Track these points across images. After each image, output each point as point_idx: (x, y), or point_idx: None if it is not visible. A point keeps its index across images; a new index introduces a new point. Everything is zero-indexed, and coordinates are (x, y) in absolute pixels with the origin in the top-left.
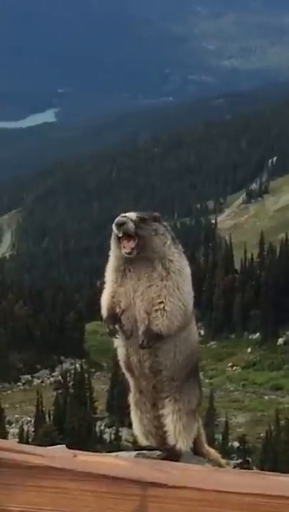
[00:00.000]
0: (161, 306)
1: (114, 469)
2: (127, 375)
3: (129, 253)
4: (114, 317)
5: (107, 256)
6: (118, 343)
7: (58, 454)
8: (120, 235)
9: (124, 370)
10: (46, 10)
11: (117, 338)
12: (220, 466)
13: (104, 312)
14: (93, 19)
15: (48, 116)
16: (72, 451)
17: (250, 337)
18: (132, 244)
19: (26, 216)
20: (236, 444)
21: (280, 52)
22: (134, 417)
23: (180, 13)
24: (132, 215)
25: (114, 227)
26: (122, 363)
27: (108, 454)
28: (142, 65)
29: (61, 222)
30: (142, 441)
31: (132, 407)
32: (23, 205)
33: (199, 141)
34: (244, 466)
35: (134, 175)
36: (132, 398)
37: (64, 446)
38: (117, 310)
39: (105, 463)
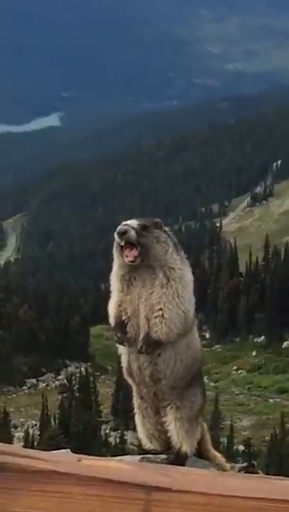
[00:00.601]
0: (160, 313)
1: (119, 473)
2: (129, 381)
3: (132, 261)
4: (121, 325)
5: (112, 261)
6: (122, 349)
7: (63, 459)
8: (122, 243)
9: (126, 376)
10: (51, 14)
11: (125, 345)
12: (225, 470)
13: (111, 321)
14: (98, 23)
15: (52, 120)
16: (76, 455)
17: (255, 340)
18: (134, 252)
19: (31, 220)
20: (241, 447)
21: (284, 56)
22: (138, 420)
23: (184, 17)
24: (134, 222)
25: (116, 235)
26: (124, 369)
27: (112, 458)
28: (146, 69)
29: (66, 226)
30: (146, 444)
31: (136, 411)
32: (27, 209)
33: (204, 144)
34: (249, 469)
35: (138, 179)
36: (134, 402)
37: (69, 450)
38: (124, 317)
39: (110, 467)
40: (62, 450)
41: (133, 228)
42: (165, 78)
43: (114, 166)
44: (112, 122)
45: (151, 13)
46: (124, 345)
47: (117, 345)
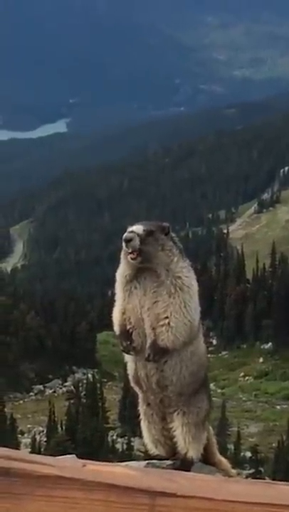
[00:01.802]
0: (167, 321)
1: (124, 479)
2: (136, 389)
3: (133, 258)
4: (126, 334)
5: (118, 266)
6: (128, 357)
7: (68, 464)
8: (129, 250)
9: (132, 384)
10: (57, 21)
11: (131, 354)
12: (230, 476)
13: (116, 329)
14: (104, 30)
15: (58, 126)
16: (81, 460)
17: (262, 347)
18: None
19: (37, 226)
20: (248, 454)
21: None
22: (144, 426)
23: (190, 24)
24: (139, 228)
25: (123, 242)
26: (130, 377)
27: (118, 463)
28: (152, 76)
29: (72, 233)
30: (152, 449)
31: (142, 417)
32: (34, 216)
33: (210, 151)
34: (256, 476)
35: (144, 185)
36: (140, 408)
37: (74, 455)
38: (128, 327)
39: (114, 472)
40: (68, 456)
41: (138, 235)
42: (171, 85)
43: (121, 172)
44: (119, 129)
45: (158, 19)
46: (131, 354)
47: (127, 354)
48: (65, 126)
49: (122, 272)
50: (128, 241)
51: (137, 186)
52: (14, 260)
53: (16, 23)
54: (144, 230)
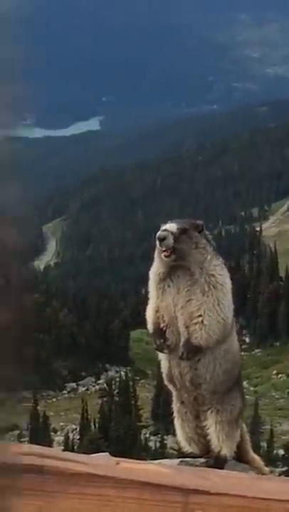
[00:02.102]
0: (200, 319)
1: (157, 476)
2: (170, 387)
3: (167, 256)
4: (160, 332)
5: (152, 264)
6: (162, 355)
7: (101, 462)
8: (163, 248)
9: (166, 382)
10: (92, 19)
11: (165, 352)
12: (263, 473)
13: (150, 327)
14: (137, 28)
15: (92, 124)
16: (115, 458)
17: None
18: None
19: (71, 224)
20: (281, 451)
21: None
22: (177, 424)
23: (224, 22)
24: (173, 227)
25: (156, 240)
26: (164, 375)
27: (151, 461)
28: (185, 74)
29: (105, 230)
30: (185, 447)
31: (175, 415)
32: (67, 213)
33: (243, 148)
34: None
35: (178, 183)
36: (174, 406)
37: (107, 453)
38: (162, 325)
39: (147, 470)
40: (101, 454)
41: (172, 233)
42: (205, 83)
43: (155, 170)
44: (152, 127)
45: (192, 19)
46: (164, 352)
47: (160, 352)
48: (99, 124)
49: (155, 270)
50: (162, 239)
51: (171, 184)
52: (47, 258)
53: (50, 20)
54: (177, 228)
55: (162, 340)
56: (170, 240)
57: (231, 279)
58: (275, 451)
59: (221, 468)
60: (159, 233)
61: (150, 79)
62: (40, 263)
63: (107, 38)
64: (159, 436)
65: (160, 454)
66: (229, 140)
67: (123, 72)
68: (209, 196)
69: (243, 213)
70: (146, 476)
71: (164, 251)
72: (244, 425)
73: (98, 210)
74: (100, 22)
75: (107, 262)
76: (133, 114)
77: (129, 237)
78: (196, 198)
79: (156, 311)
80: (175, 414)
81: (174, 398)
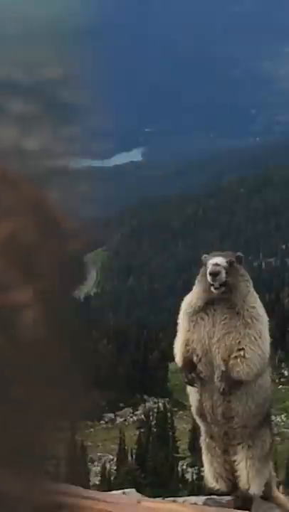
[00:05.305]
0: (242, 353)
1: None
2: (198, 421)
3: (217, 288)
4: (190, 365)
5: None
6: (191, 389)
7: (122, 500)
8: (216, 284)
9: (195, 416)
10: (137, 49)
11: (196, 386)
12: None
13: (179, 361)
14: (180, 59)
15: (134, 155)
16: (138, 496)
17: None
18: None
19: (111, 254)
20: None
21: None
22: (205, 459)
23: (266, 54)
24: (222, 261)
25: (208, 276)
26: (193, 409)
27: (175, 499)
28: (228, 106)
29: (146, 262)
30: (212, 483)
31: (203, 450)
32: (108, 244)
33: (285, 181)
34: None
35: (219, 215)
36: (202, 441)
37: (134, 490)
38: (194, 358)
39: (170, 510)
40: (128, 490)
41: (224, 267)
42: (248, 115)
43: (195, 201)
44: (194, 158)
45: (236, 51)
46: (195, 386)
47: (191, 386)
48: (140, 155)
49: (191, 302)
50: (216, 274)
51: (212, 216)
52: (87, 288)
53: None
54: (227, 262)
55: (194, 374)
56: (223, 275)
57: (272, 311)
58: None
59: (248, 508)
60: (211, 268)
61: (193, 110)
62: (80, 293)
63: (150, 69)
64: (196, 468)
65: (197, 486)
66: (271, 173)
67: (166, 104)
68: (250, 229)
69: (283, 246)
70: None
71: (212, 284)
72: (276, 460)
73: (139, 241)
74: (146, 54)
75: (146, 292)
76: (175, 146)
77: (170, 268)
78: (236, 230)
79: (186, 345)
80: (203, 449)
81: (203, 433)
